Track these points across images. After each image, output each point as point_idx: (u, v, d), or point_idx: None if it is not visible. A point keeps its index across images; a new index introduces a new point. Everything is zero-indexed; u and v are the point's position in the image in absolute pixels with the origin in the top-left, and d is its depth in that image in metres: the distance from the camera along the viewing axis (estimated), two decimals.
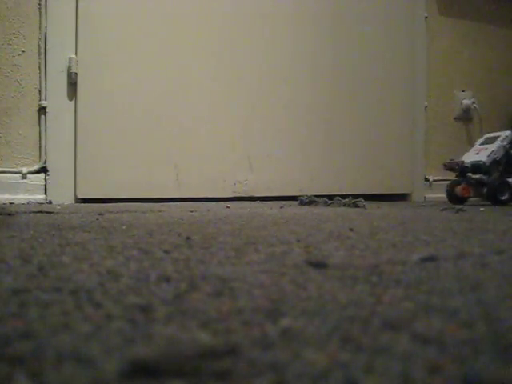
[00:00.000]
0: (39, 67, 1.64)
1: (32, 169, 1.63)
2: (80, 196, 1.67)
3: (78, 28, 1.66)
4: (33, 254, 0.50)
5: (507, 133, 1.82)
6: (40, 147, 1.64)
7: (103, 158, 1.70)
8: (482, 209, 1.46)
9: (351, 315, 0.29)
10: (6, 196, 1.58)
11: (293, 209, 1.36)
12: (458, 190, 1.76)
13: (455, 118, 2.33)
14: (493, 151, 1.76)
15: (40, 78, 1.64)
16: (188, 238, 0.63)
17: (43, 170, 1.64)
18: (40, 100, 1.64)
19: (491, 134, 1.87)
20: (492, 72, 2.39)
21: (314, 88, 2.00)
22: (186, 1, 1.83)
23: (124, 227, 0.77)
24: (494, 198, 1.69)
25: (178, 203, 1.64)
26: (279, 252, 0.52)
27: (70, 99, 1.67)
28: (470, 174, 1.74)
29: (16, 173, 1.61)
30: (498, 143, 1.79)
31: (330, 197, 1.56)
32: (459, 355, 0.23)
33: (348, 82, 2.06)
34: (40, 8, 1.63)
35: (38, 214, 1.06)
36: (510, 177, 1.76)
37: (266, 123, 1.92)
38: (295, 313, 0.30)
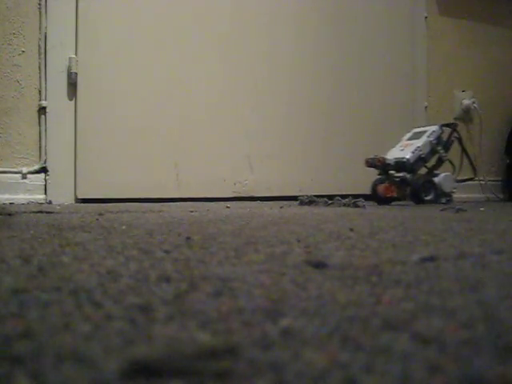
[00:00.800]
0: (39, 67, 1.64)
1: (32, 169, 1.63)
2: (80, 196, 1.67)
3: (78, 28, 1.66)
4: (33, 254, 0.50)
5: (434, 127, 1.70)
6: (40, 147, 1.64)
7: (103, 158, 1.70)
8: (481, 209, 1.46)
9: (351, 315, 0.29)
10: (6, 196, 1.58)
11: (293, 209, 1.36)
12: (380, 189, 1.62)
13: (455, 118, 2.33)
14: (418, 147, 1.63)
15: (40, 78, 1.64)
16: (188, 238, 0.63)
17: (43, 170, 1.64)
18: (40, 100, 1.64)
19: (419, 129, 1.75)
20: (492, 72, 2.39)
21: (314, 88, 2.00)
22: (187, 1, 1.83)
23: (124, 227, 0.77)
24: (417, 198, 1.59)
25: (177, 203, 1.64)
26: (279, 252, 0.52)
27: (70, 99, 1.67)
28: (392, 172, 1.62)
29: (16, 173, 1.61)
30: (424, 139, 1.67)
31: (330, 197, 1.56)
32: (459, 355, 0.23)
33: (348, 81, 2.06)
34: (40, 8, 1.63)
35: (38, 214, 1.06)
36: (436, 175, 1.65)
37: (265, 123, 1.92)
38: (295, 313, 0.30)
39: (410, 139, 1.71)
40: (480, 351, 0.23)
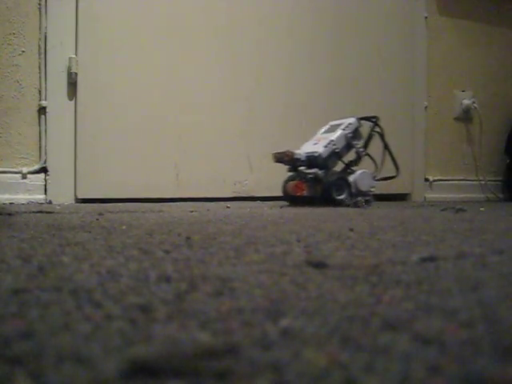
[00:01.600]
0: (39, 67, 1.64)
1: (32, 169, 1.63)
2: (80, 196, 1.67)
3: (78, 28, 1.66)
4: (33, 254, 0.50)
5: (351, 120, 1.55)
6: (40, 147, 1.64)
7: (103, 158, 1.70)
8: (481, 209, 1.46)
9: (351, 315, 0.29)
10: (6, 196, 1.58)
11: (293, 209, 1.36)
12: (289, 187, 1.49)
13: (455, 118, 2.33)
14: (331, 141, 1.48)
15: (40, 77, 1.64)
16: (188, 238, 0.63)
17: (43, 169, 1.64)
18: (40, 100, 1.64)
19: (336, 121, 1.60)
20: (492, 72, 2.39)
21: (314, 88, 2.00)
22: (186, 1, 1.83)
23: (124, 227, 0.77)
24: (328, 197, 1.45)
25: (177, 203, 1.64)
26: (279, 252, 0.52)
27: (70, 99, 1.67)
28: (302, 169, 1.47)
29: (16, 173, 1.61)
30: (338, 132, 1.51)
31: None
32: (459, 355, 0.23)
33: (348, 81, 2.06)
34: (40, 8, 1.63)
35: (38, 214, 1.06)
36: (352, 172, 1.52)
37: (265, 123, 1.92)
38: (295, 313, 0.30)
39: (325, 132, 1.58)
40: (480, 351, 0.23)
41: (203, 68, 1.84)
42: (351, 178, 1.49)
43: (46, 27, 1.64)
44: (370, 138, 1.60)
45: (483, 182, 2.34)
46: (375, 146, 1.62)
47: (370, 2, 2.10)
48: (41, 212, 1.11)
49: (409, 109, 2.19)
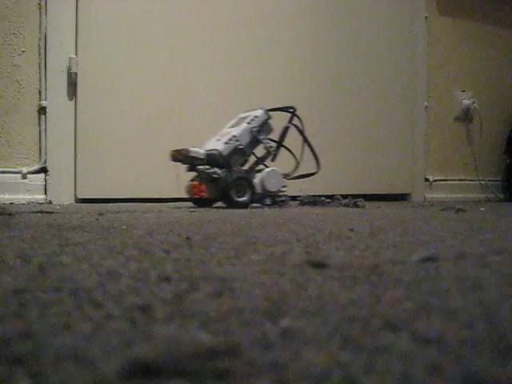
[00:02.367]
0: (39, 67, 1.64)
1: (32, 169, 1.63)
2: (80, 196, 1.67)
3: (78, 28, 1.66)
4: (33, 254, 0.50)
5: (258, 112, 1.40)
6: (40, 147, 1.64)
7: (103, 158, 1.70)
8: (481, 209, 1.46)
9: (351, 315, 0.29)
10: (6, 196, 1.58)
11: (293, 209, 1.36)
12: (189, 188, 1.36)
13: (455, 118, 2.33)
14: (233, 137, 1.34)
15: (40, 78, 1.64)
16: (188, 238, 0.63)
17: (43, 170, 1.64)
18: (40, 100, 1.64)
19: (245, 113, 1.44)
20: (492, 72, 2.39)
21: (314, 88, 2.00)
22: (186, 1, 1.83)
23: (124, 227, 0.77)
24: (228, 199, 1.30)
25: (178, 203, 1.64)
26: (279, 252, 0.52)
27: (70, 99, 1.67)
28: (201, 168, 1.32)
29: (16, 173, 1.61)
30: (242, 126, 1.37)
31: (330, 197, 1.56)
32: (459, 355, 0.23)
33: (348, 81, 2.06)
34: (40, 8, 1.63)
35: (38, 214, 1.06)
36: (260, 171, 1.38)
37: None
38: (295, 313, 0.30)
39: (232, 126, 1.43)
40: (480, 351, 0.23)
41: (204, 68, 1.84)
42: (257, 178, 1.36)
43: (45, 27, 1.64)
44: (285, 131, 1.45)
45: (483, 182, 2.34)
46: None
47: (370, 2, 2.09)
48: (41, 212, 1.11)
49: (409, 109, 2.19)
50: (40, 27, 1.64)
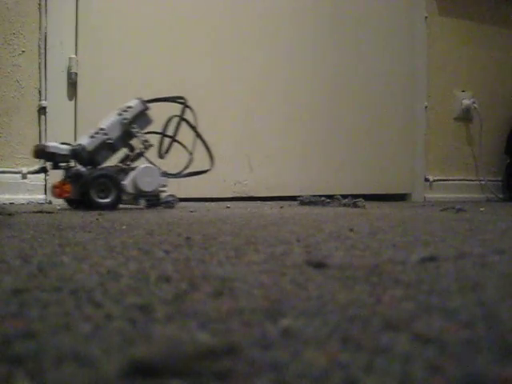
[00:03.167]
0: (39, 67, 1.64)
1: (32, 169, 1.63)
2: None
3: (78, 28, 1.66)
4: (33, 254, 0.50)
5: (132, 102, 1.28)
6: None
7: None
8: (481, 209, 1.46)
9: (351, 315, 0.29)
10: (6, 196, 1.58)
11: (293, 209, 1.36)
12: (54, 188, 1.21)
13: (455, 118, 2.33)
14: (101, 130, 1.21)
15: (40, 77, 1.64)
16: (188, 238, 0.63)
17: (43, 170, 1.64)
18: (40, 100, 1.64)
19: (125, 104, 1.30)
20: (492, 72, 2.39)
21: (314, 88, 2.00)
22: (186, 1, 1.83)
23: (124, 227, 0.77)
24: (87, 199, 1.15)
25: (177, 203, 1.64)
26: (279, 252, 0.52)
27: (70, 99, 1.67)
28: (64, 165, 1.20)
29: (16, 173, 1.61)
30: (112, 118, 1.24)
31: (330, 197, 1.56)
32: (459, 355, 0.23)
33: (348, 81, 2.06)
34: (40, 8, 1.63)
35: (38, 214, 1.06)
36: (133, 168, 1.24)
37: (265, 123, 1.92)
38: (295, 313, 0.30)
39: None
40: (480, 351, 0.23)
41: (204, 68, 1.84)
42: (128, 177, 1.22)
43: (45, 27, 1.64)
44: (177, 125, 1.36)
45: (483, 182, 2.34)
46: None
47: (370, 2, 2.09)
48: (41, 212, 1.11)
49: (409, 109, 2.18)
50: (40, 27, 1.64)
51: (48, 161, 1.26)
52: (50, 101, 1.64)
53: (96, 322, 0.27)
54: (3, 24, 1.60)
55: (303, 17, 1.99)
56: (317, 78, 2.01)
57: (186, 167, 1.37)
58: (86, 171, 1.17)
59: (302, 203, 1.55)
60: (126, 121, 1.23)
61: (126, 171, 1.23)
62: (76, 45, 1.66)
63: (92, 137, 1.20)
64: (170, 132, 1.39)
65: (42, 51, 1.64)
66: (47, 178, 1.64)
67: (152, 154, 1.33)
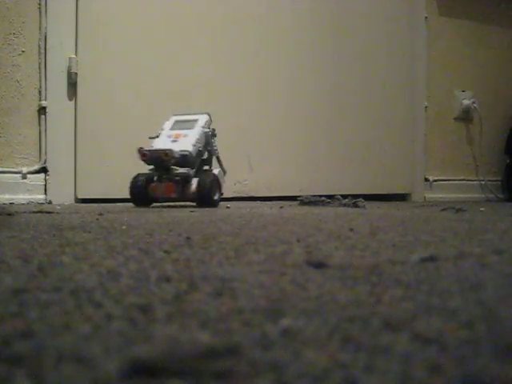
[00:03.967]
0: (39, 67, 1.64)
1: (32, 169, 1.63)
2: (80, 196, 1.67)
3: (78, 28, 1.66)
4: (33, 254, 0.50)
5: (205, 116, 1.46)
6: (40, 147, 1.64)
7: (103, 158, 1.70)
8: (481, 209, 1.46)
9: (351, 315, 0.29)
10: (6, 196, 1.58)
11: (293, 209, 1.36)
12: (155, 188, 1.37)
13: (455, 118, 2.33)
14: (198, 139, 1.39)
15: (40, 77, 1.64)
16: (188, 238, 0.63)
17: (43, 169, 1.64)
18: (40, 100, 1.64)
19: (182, 117, 1.46)
20: (492, 72, 2.39)
21: (314, 88, 2.00)
22: (186, 2, 1.83)
23: (124, 227, 0.77)
24: (209, 199, 1.35)
25: (178, 203, 1.64)
26: (279, 252, 0.52)
27: (70, 99, 1.67)
28: (174, 168, 1.34)
29: (16, 173, 1.61)
30: (199, 129, 1.41)
31: (330, 197, 1.56)
32: (459, 355, 0.23)
33: (348, 81, 2.06)
34: (40, 8, 1.63)
35: (38, 214, 1.06)
36: (211, 171, 1.43)
37: (265, 123, 1.92)
38: (295, 313, 0.30)
39: (177, 129, 1.43)
40: (480, 351, 0.23)
41: (204, 68, 1.84)
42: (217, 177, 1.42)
43: (45, 27, 1.64)
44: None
45: (483, 182, 2.34)
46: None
47: (370, 3, 2.09)
48: (41, 212, 1.11)
49: (409, 109, 2.18)
50: (40, 27, 1.64)
51: (161, 165, 1.36)
52: (49, 101, 1.64)
53: (96, 322, 0.27)
54: (3, 24, 1.60)
55: (303, 17, 1.99)
56: (317, 77, 2.01)
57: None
58: (194, 174, 1.36)
59: (302, 203, 1.55)
60: (209, 133, 1.44)
61: (207, 173, 1.43)
62: (76, 45, 1.66)
63: (194, 145, 1.37)
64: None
65: (42, 51, 1.64)
66: (47, 178, 1.64)
67: None
